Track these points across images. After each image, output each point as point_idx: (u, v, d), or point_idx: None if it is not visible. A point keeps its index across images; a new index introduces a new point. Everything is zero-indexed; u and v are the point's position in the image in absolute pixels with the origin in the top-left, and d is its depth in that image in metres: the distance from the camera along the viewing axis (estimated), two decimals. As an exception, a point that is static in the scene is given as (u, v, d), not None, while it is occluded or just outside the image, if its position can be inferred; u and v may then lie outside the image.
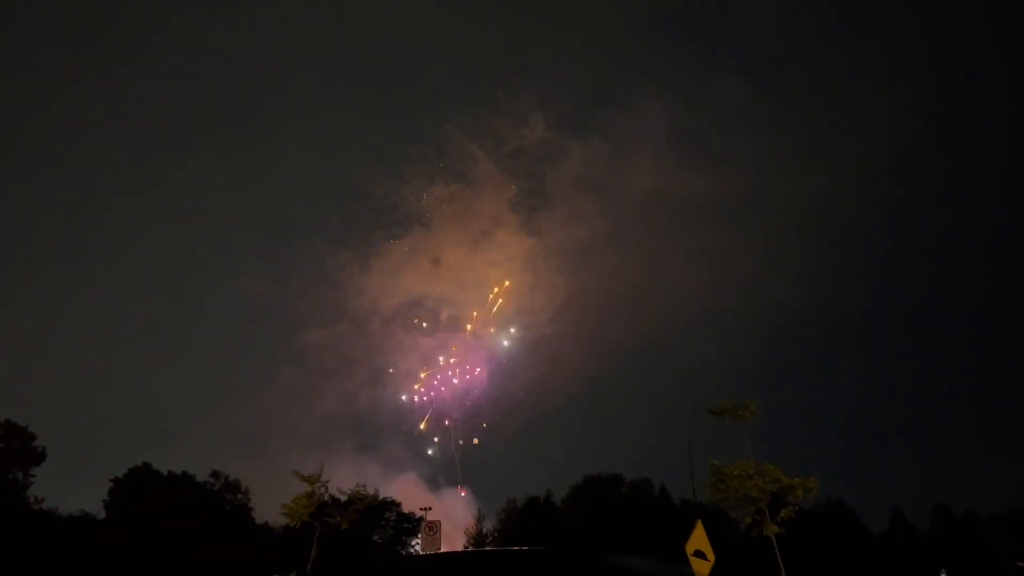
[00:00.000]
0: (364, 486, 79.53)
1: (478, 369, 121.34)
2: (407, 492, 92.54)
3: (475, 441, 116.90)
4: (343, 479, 77.38)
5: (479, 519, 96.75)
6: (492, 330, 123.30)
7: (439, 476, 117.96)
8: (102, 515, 75.20)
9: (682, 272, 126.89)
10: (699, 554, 26.75)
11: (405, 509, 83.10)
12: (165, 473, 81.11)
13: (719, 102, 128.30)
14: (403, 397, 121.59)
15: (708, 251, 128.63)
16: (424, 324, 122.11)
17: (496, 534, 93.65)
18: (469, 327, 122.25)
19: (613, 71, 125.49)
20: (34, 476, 73.79)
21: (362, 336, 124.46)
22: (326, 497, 73.89)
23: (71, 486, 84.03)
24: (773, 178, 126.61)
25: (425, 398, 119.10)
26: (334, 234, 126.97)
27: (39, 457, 74.81)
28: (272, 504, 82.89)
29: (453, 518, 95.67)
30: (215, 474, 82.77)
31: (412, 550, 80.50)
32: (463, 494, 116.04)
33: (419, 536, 77.96)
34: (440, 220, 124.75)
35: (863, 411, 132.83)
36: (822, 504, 77.00)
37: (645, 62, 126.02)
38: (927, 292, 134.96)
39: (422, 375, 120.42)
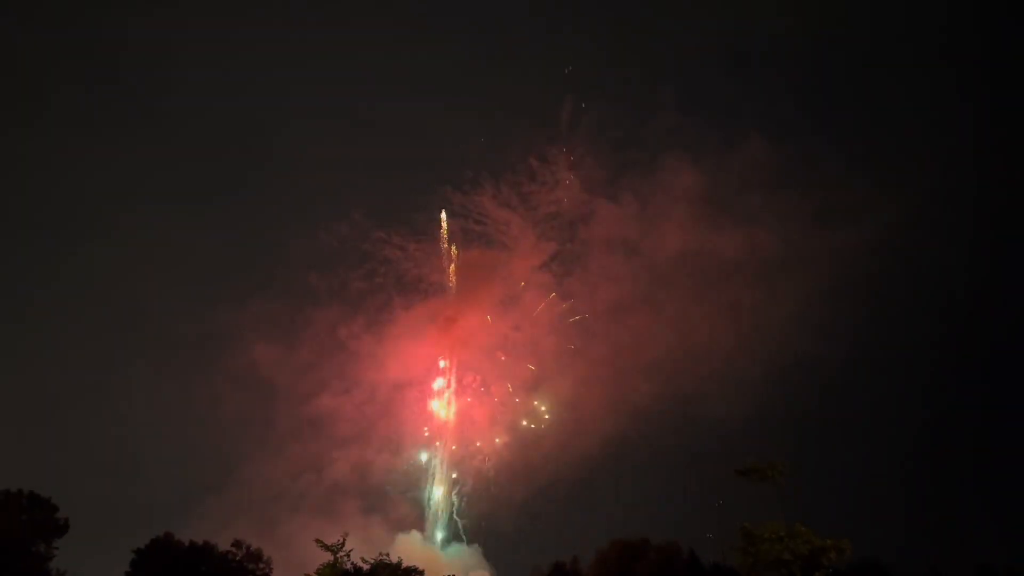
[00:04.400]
0: (387, 555, 79.22)
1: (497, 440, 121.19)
2: (413, 551, 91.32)
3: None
4: (349, 541, 76.81)
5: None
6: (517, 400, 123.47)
7: (442, 532, 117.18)
8: (124, 587, 74.48)
9: (712, 331, 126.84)
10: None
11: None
12: (187, 543, 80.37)
13: (746, 164, 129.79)
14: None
15: (738, 309, 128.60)
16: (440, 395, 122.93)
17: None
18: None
19: (642, 135, 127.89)
20: (56, 548, 73.34)
21: (374, 404, 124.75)
22: (348, 566, 73.29)
23: (92, 557, 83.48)
24: (801, 236, 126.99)
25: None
26: (351, 301, 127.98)
27: (62, 529, 74.43)
28: (288, 572, 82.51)
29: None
30: (237, 543, 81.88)
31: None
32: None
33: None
34: (470, 285, 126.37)
35: (898, 468, 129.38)
36: (857, 564, 74.59)
37: (673, 126, 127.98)
38: (961, 347, 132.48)
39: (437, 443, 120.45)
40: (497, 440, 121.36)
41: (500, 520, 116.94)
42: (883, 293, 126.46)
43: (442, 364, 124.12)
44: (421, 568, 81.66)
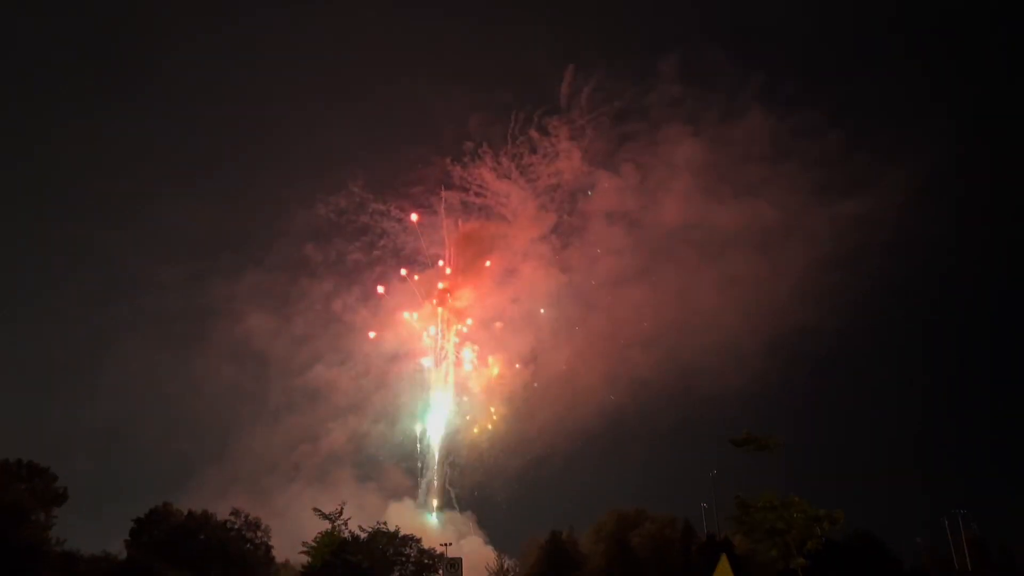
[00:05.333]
0: (385, 523, 79.98)
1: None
2: (406, 519, 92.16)
3: None
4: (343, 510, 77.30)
5: (499, 555, 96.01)
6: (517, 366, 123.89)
7: (435, 501, 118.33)
8: (123, 555, 74.97)
9: (711, 303, 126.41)
10: (725, 588, 26.42)
11: (425, 545, 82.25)
12: (186, 512, 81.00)
13: (747, 136, 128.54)
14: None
15: (737, 281, 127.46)
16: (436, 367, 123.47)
17: (517, 570, 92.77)
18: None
19: (643, 107, 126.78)
20: (55, 517, 73.81)
21: (369, 376, 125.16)
22: (346, 534, 74.04)
23: (91, 527, 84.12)
24: (801, 208, 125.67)
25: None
26: (347, 274, 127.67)
27: (60, 498, 74.84)
28: (283, 540, 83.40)
29: (461, 547, 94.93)
30: (235, 512, 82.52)
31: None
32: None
33: (440, 573, 77.37)
34: (468, 257, 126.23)
35: (895, 441, 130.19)
36: (851, 536, 75.36)
37: (675, 98, 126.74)
38: (960, 320, 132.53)
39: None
40: (492, 411, 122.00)
41: (494, 490, 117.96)
42: (883, 266, 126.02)
43: (433, 332, 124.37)
44: (418, 536, 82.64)
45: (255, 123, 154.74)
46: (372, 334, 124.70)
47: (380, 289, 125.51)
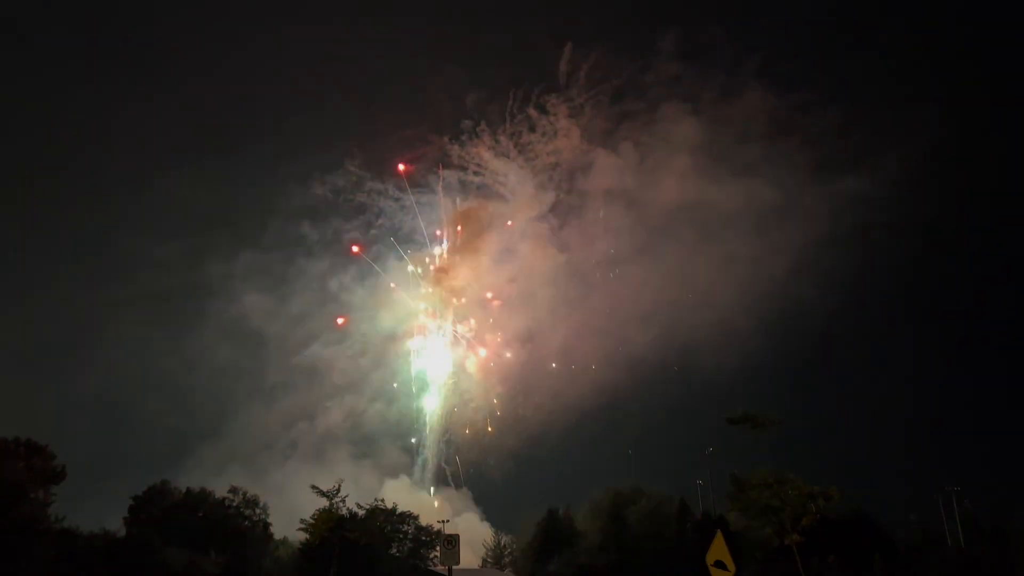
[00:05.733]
0: (382, 500, 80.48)
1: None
2: (402, 495, 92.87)
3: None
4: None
5: (496, 532, 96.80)
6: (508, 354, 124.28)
7: (431, 478, 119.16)
8: (122, 532, 75.40)
9: (709, 281, 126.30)
10: (720, 564, 26.41)
11: (422, 522, 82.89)
12: (184, 490, 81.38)
13: (745, 114, 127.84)
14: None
15: (735, 259, 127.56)
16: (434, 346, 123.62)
17: (514, 547, 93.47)
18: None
19: (642, 85, 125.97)
20: (54, 494, 74.08)
21: (366, 355, 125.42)
22: (344, 511, 74.50)
23: (90, 504, 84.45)
24: (800, 186, 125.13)
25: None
26: (343, 253, 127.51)
27: (59, 476, 75.07)
28: (281, 518, 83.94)
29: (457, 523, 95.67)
30: (233, 490, 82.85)
31: (431, 564, 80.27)
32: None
33: (437, 549, 77.94)
34: (466, 236, 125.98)
35: (890, 419, 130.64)
36: (845, 513, 75.81)
37: (674, 75, 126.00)
38: (959, 300, 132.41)
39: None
40: (493, 399, 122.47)
41: (490, 467, 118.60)
42: (880, 244, 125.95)
43: (429, 316, 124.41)
44: (416, 513, 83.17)
45: (252, 102, 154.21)
46: (340, 320, 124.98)
47: (355, 248, 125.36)
